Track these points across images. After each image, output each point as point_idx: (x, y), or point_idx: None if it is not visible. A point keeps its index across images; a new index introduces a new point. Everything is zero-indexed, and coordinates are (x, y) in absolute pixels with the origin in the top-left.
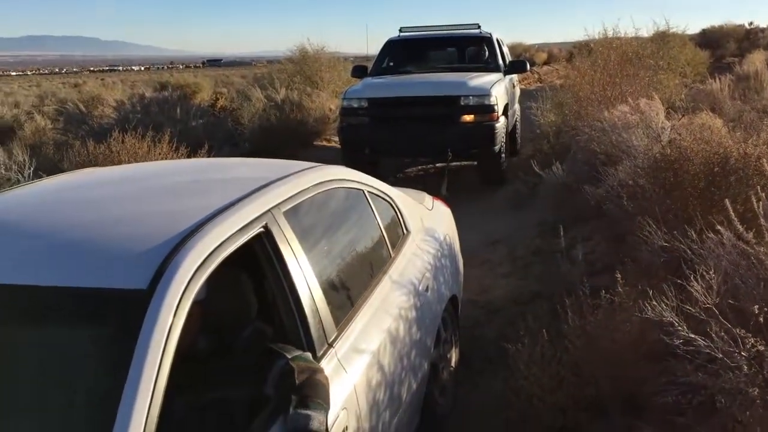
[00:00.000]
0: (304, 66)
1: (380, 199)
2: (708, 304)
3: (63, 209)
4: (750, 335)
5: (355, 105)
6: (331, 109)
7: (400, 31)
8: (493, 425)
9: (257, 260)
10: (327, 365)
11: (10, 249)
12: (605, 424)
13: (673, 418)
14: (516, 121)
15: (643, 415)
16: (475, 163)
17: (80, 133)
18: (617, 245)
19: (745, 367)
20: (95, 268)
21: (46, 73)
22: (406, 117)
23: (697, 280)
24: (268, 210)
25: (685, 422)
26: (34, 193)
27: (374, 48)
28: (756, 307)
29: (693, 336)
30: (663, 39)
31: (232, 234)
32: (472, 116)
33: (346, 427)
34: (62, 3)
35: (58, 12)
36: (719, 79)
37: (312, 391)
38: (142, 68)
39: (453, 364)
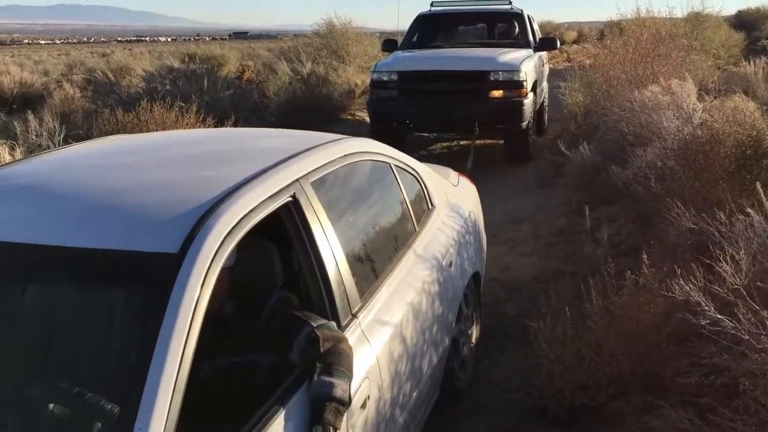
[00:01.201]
0: (330, 40)
1: (406, 172)
2: (736, 285)
3: (94, 174)
4: None
5: (385, 78)
6: (357, 84)
7: (432, 5)
8: (512, 400)
9: (285, 230)
10: (351, 335)
11: (44, 210)
12: (625, 402)
13: (695, 399)
14: (544, 99)
15: (665, 395)
16: (501, 141)
17: (108, 102)
18: (643, 227)
19: None
20: (128, 231)
21: (74, 42)
22: (435, 91)
23: (726, 261)
24: (296, 180)
25: (707, 403)
26: (65, 158)
27: (404, 24)
28: None
29: (720, 317)
30: (697, 20)
31: (261, 202)
32: (501, 92)
33: (368, 396)
34: None
35: None
36: (754, 62)
37: (336, 360)
38: (169, 39)
39: (474, 340)
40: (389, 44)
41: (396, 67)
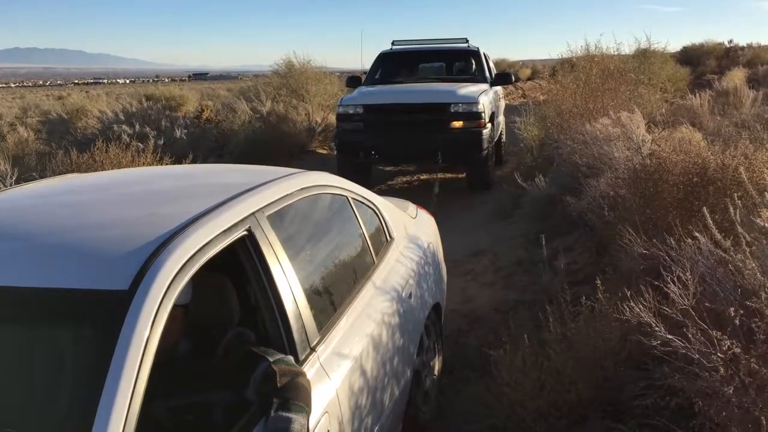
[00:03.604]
0: (290, 79)
1: (364, 205)
2: (684, 305)
3: (44, 213)
4: (726, 337)
5: (351, 111)
6: (317, 122)
7: (393, 44)
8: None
9: (241, 266)
10: (309, 369)
11: None
12: (585, 429)
13: (652, 422)
14: (501, 132)
15: (623, 419)
16: (461, 176)
17: (63, 144)
18: (599, 255)
19: (722, 369)
20: (77, 269)
21: (29, 86)
22: (398, 123)
23: (674, 282)
24: (252, 213)
25: (663, 425)
26: (14, 198)
27: (366, 63)
28: (732, 309)
29: (670, 337)
30: (644, 56)
31: (215, 236)
32: (461, 122)
33: (328, 431)
34: (48, 16)
35: (43, 25)
36: (699, 94)
37: (294, 394)
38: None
39: (436, 372)
40: (353, 81)
41: (361, 101)
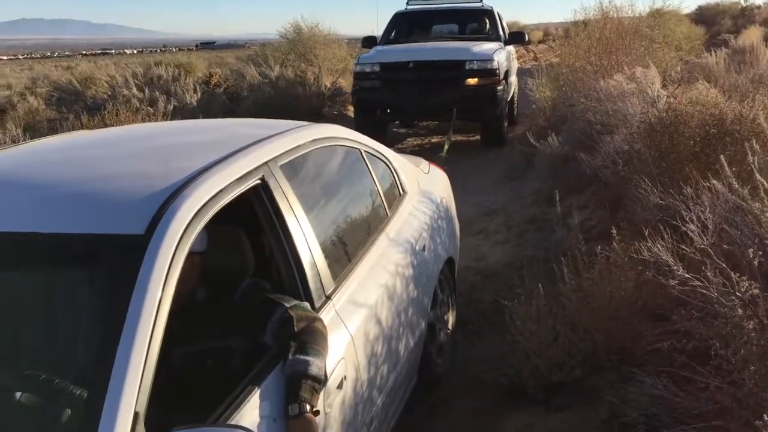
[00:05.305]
0: (298, 44)
1: (377, 159)
2: (704, 245)
3: (57, 166)
4: (745, 278)
5: (368, 69)
6: (326, 86)
7: (407, 3)
8: (491, 382)
9: (256, 218)
10: (325, 317)
11: (8, 200)
12: (601, 378)
13: (669, 368)
14: (514, 92)
15: (639, 366)
16: (471, 138)
17: (74, 109)
18: (613, 211)
19: (740, 310)
20: (94, 214)
21: (37, 57)
22: (415, 80)
23: (692, 221)
24: (265, 163)
25: (680, 365)
26: (28, 152)
27: (376, 27)
28: (751, 251)
29: (689, 276)
30: (659, 14)
31: (229, 184)
32: (476, 79)
33: (345, 377)
34: None
35: None
36: (715, 53)
37: (310, 338)
38: (135, 51)
39: (450, 326)
40: (369, 41)
41: (377, 59)
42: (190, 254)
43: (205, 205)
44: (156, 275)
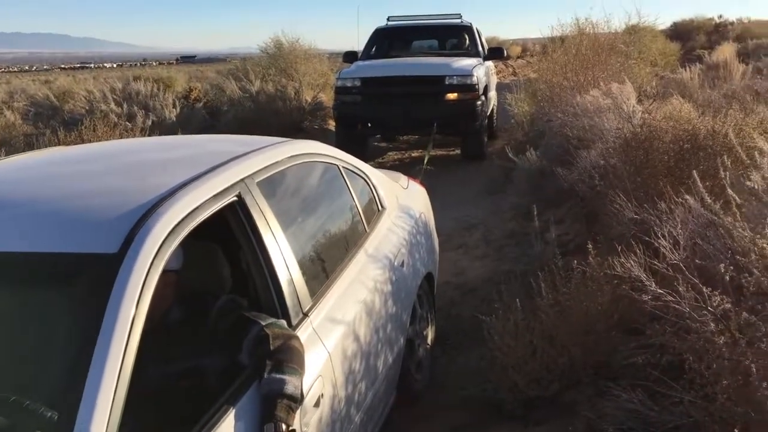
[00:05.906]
0: (278, 59)
1: (355, 174)
2: (675, 260)
3: (32, 183)
4: (717, 293)
5: (349, 84)
6: (307, 101)
7: (388, 20)
8: (469, 398)
9: (232, 235)
10: (302, 334)
11: None
12: (578, 392)
13: (644, 383)
14: (493, 107)
15: (615, 380)
16: (450, 152)
17: (51, 124)
18: (589, 225)
19: (712, 324)
20: (67, 233)
21: (15, 71)
22: (395, 95)
23: (664, 237)
24: (242, 180)
25: (655, 380)
26: (1, 169)
27: (361, 40)
28: (722, 266)
29: (661, 291)
30: (634, 31)
31: (205, 201)
32: (455, 94)
33: (322, 394)
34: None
35: (27, 9)
36: (689, 69)
37: (287, 356)
38: (115, 65)
39: (429, 341)
40: (350, 56)
41: (358, 74)
42: (165, 272)
43: (180, 222)
44: (129, 294)
